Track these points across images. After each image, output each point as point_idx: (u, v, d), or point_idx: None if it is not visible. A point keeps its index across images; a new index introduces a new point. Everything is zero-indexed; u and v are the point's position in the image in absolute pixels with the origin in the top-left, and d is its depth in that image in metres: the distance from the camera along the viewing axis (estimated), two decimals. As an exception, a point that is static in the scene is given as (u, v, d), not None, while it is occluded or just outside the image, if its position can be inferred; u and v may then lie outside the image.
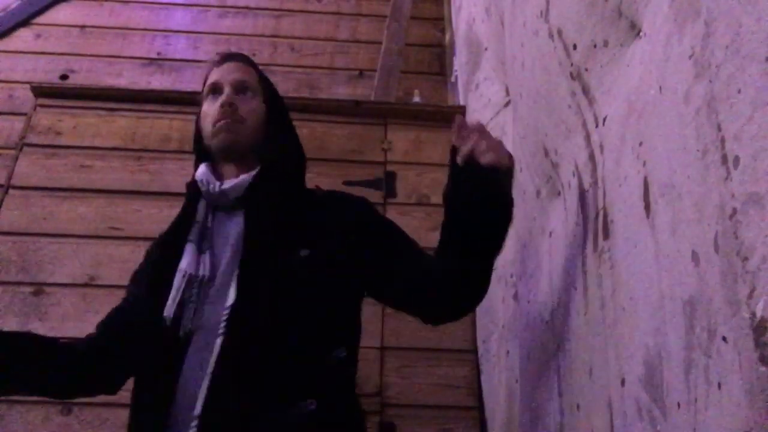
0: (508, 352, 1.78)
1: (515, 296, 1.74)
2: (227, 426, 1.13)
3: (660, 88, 0.90)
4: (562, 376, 1.31)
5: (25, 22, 3.10)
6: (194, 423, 1.12)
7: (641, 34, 1.03)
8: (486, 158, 1.20)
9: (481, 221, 1.26)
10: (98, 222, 2.22)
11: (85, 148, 2.35)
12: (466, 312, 1.41)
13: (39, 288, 2.11)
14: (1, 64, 2.97)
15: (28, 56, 3.02)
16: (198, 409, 1.13)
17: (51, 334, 2.02)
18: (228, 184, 1.36)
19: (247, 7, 3.27)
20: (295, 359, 1.20)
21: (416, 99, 2.89)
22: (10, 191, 2.25)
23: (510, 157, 1.25)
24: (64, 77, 2.98)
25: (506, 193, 1.26)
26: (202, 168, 1.41)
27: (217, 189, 1.36)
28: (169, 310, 1.23)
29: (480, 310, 2.09)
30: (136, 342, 1.29)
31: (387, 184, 2.36)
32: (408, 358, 2.08)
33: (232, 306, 1.22)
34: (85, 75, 2.99)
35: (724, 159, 0.70)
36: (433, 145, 2.45)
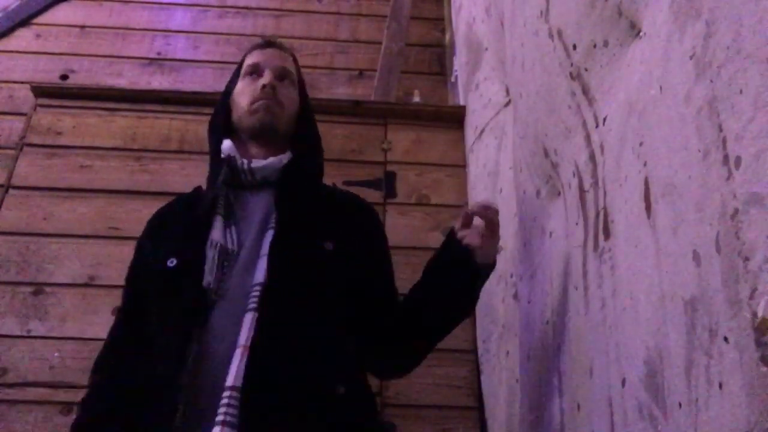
0: (508, 352, 1.78)
1: (515, 296, 1.74)
2: (268, 401, 1.15)
3: (660, 88, 0.90)
4: (562, 376, 1.31)
5: (24, 22, 3.09)
6: (232, 394, 1.13)
7: (641, 34, 1.03)
8: (474, 241, 1.34)
9: (445, 300, 1.37)
10: (98, 222, 2.22)
11: (85, 148, 2.35)
12: (395, 372, 1.53)
13: (39, 288, 2.11)
14: (1, 64, 2.97)
15: (28, 56, 3.02)
16: (232, 380, 1.14)
17: (51, 334, 2.04)
18: (258, 163, 1.39)
19: (247, 7, 3.27)
20: (323, 343, 1.25)
21: (416, 99, 2.88)
22: (10, 191, 2.24)
23: (493, 259, 1.39)
24: (64, 77, 2.97)
25: (476, 287, 1.39)
26: (228, 144, 1.42)
27: (246, 166, 1.38)
28: (208, 279, 1.24)
29: (480, 310, 2.09)
30: (156, 306, 1.31)
31: (387, 184, 2.35)
32: (408, 358, 2.08)
33: (263, 284, 1.24)
34: (85, 75, 2.99)
35: (726, 159, 0.70)
36: (433, 145, 2.45)
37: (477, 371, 2.05)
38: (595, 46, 1.15)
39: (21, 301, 2.08)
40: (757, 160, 0.64)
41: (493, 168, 2.05)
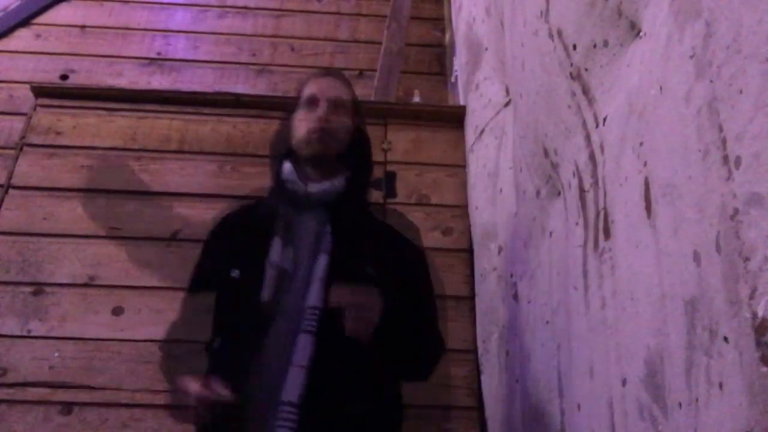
0: (508, 352, 1.78)
1: (515, 296, 1.74)
2: (324, 417, 1.28)
3: (660, 88, 0.90)
4: (562, 376, 1.31)
5: (24, 22, 3.09)
6: (290, 409, 1.27)
7: (641, 34, 1.03)
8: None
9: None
10: (98, 222, 2.22)
11: (85, 148, 2.35)
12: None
13: (39, 288, 2.10)
14: (1, 64, 2.97)
15: (28, 56, 3.02)
16: (289, 396, 1.28)
17: (51, 334, 2.04)
18: (314, 187, 1.51)
19: (246, 7, 3.27)
20: (369, 365, 1.36)
21: (416, 99, 2.88)
22: (10, 191, 2.24)
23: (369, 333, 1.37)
24: (64, 77, 2.97)
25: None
26: (288, 167, 1.55)
27: (303, 191, 1.51)
28: (265, 295, 1.37)
29: (480, 310, 2.09)
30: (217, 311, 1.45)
31: (387, 184, 2.35)
32: (408, 358, 2.08)
33: (319, 308, 1.36)
34: (85, 75, 2.99)
35: (726, 159, 0.70)
36: (433, 145, 2.45)
37: (477, 371, 2.05)
38: (595, 46, 1.15)
39: (21, 301, 2.08)
40: (757, 160, 0.64)
41: (493, 168, 2.05)
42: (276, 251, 1.43)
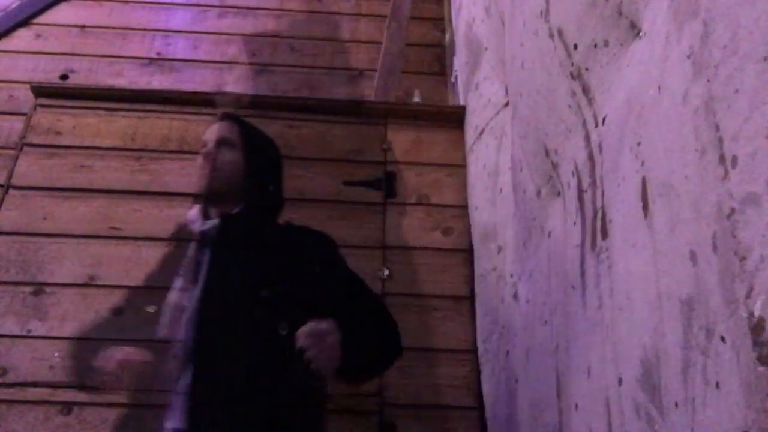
0: (508, 352, 1.78)
1: (515, 296, 1.74)
2: None
3: (659, 87, 0.90)
4: (560, 376, 1.31)
5: (24, 22, 3.09)
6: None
7: (641, 34, 1.03)
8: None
9: None
10: (98, 222, 2.22)
11: (85, 148, 2.35)
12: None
13: (39, 288, 2.11)
14: (1, 64, 2.97)
15: (28, 56, 3.02)
16: (177, 422, 1.39)
17: (51, 334, 2.04)
18: (206, 225, 1.58)
19: (247, 7, 3.27)
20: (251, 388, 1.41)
21: (416, 99, 2.88)
22: (10, 191, 2.24)
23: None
24: (64, 77, 2.97)
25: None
26: (194, 209, 1.64)
27: (198, 228, 1.59)
28: (158, 334, 1.50)
29: (480, 310, 2.09)
30: None
31: (387, 184, 2.35)
32: (408, 358, 2.08)
33: (191, 338, 1.46)
34: (85, 75, 2.99)
35: (722, 159, 0.70)
36: (433, 145, 2.45)
37: (477, 371, 2.05)
38: (595, 46, 1.15)
39: (21, 301, 2.08)
40: (753, 160, 0.64)
41: (493, 168, 2.05)
42: (174, 290, 1.54)
